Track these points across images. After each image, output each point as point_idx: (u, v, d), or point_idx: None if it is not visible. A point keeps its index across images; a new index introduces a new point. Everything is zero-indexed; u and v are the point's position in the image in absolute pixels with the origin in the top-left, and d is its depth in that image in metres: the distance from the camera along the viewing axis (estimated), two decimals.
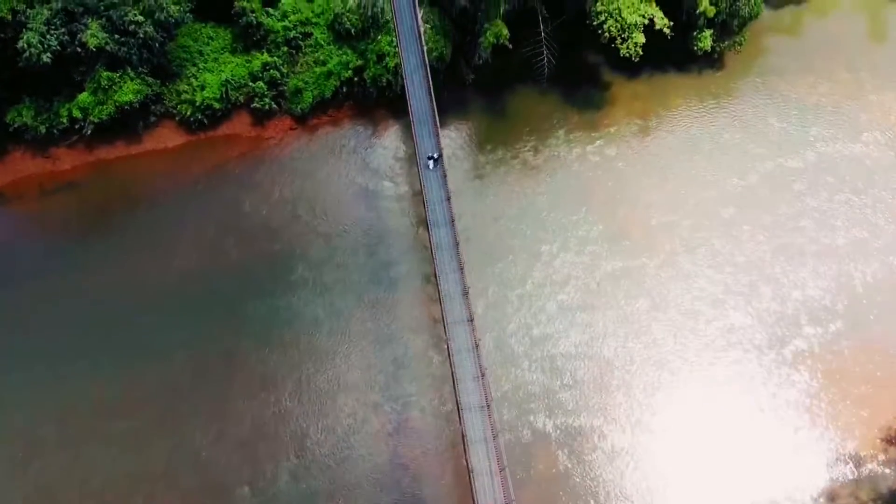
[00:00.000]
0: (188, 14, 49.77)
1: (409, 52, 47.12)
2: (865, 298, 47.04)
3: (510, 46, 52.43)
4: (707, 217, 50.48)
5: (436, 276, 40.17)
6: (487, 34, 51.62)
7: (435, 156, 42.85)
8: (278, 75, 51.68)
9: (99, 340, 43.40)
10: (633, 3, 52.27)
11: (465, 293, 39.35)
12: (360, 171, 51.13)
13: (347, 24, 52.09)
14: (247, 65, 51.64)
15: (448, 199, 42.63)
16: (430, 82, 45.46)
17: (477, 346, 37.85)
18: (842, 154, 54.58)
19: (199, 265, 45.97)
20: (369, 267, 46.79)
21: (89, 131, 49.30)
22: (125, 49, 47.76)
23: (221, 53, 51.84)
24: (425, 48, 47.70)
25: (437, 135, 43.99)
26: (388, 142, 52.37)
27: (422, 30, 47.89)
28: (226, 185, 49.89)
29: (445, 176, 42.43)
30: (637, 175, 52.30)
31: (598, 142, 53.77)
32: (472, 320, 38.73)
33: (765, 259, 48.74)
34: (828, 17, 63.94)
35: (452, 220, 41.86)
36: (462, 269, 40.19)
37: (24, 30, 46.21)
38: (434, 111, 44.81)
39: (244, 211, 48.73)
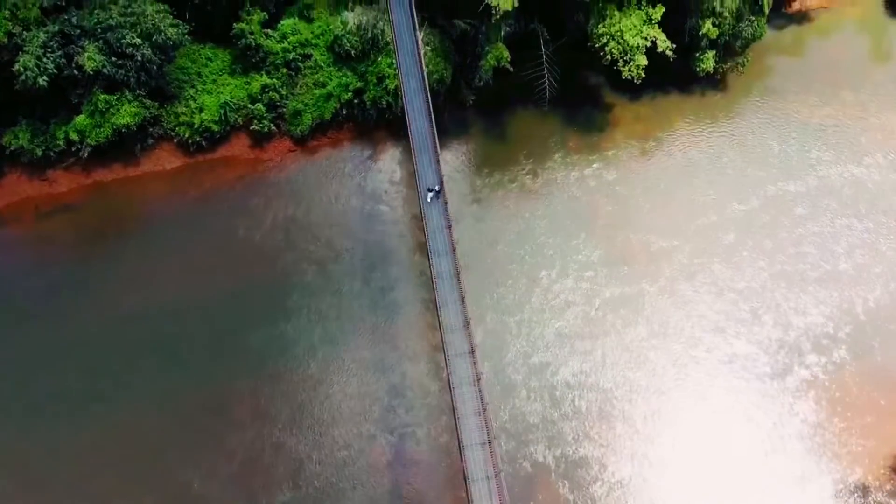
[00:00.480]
0: (186, 36, 49.39)
1: (409, 75, 46.71)
2: (869, 325, 46.70)
3: (511, 69, 52.15)
4: (707, 242, 50.09)
5: (436, 307, 39.62)
6: (488, 57, 51.32)
7: (436, 188, 42.46)
8: (277, 97, 51.30)
9: (86, 375, 42.74)
10: (635, 26, 52.00)
11: (467, 324, 38.88)
12: (359, 195, 50.68)
13: (347, 46, 51.73)
14: (246, 87, 51.24)
15: (449, 227, 42.14)
16: (431, 108, 45.02)
17: (479, 379, 37.33)
18: (843, 177, 54.30)
19: (192, 293, 45.32)
20: (366, 293, 46.28)
21: (86, 154, 48.88)
22: (123, 72, 47.35)
23: (220, 75, 51.46)
24: (425, 71, 47.36)
25: (438, 163, 43.45)
26: (388, 165, 51.98)
27: (422, 53, 47.55)
28: (222, 208, 49.32)
29: (446, 205, 42.02)
30: (637, 199, 51.92)
31: (597, 165, 53.40)
32: (473, 352, 38.24)
33: (766, 285, 48.35)
34: (830, 36, 63.78)
35: (454, 249, 41.31)
36: (463, 299, 39.68)
37: (20, 53, 45.76)
38: (434, 138, 44.35)
39: (239, 236, 48.17)
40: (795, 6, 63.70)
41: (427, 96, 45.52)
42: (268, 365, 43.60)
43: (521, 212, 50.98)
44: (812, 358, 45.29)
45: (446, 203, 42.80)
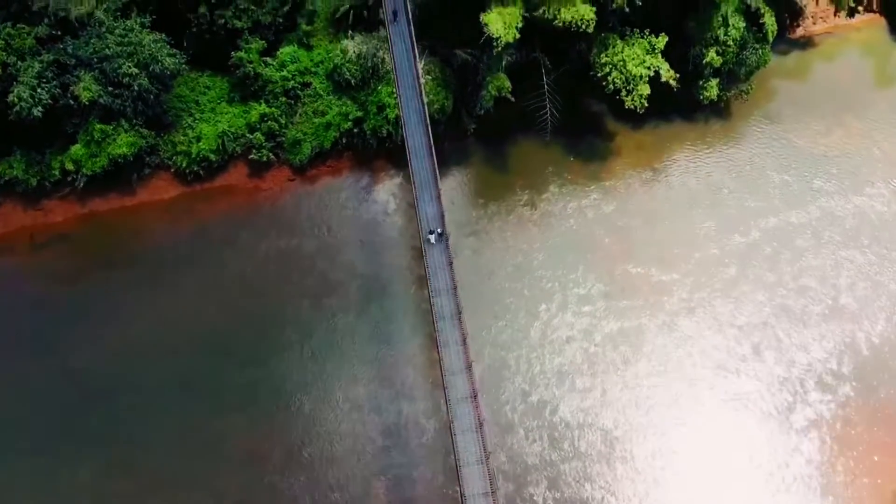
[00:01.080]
0: (184, 66, 48.78)
1: (409, 108, 46.11)
2: (873, 361, 46.35)
3: (512, 99, 51.57)
4: (708, 276, 49.65)
5: (437, 348, 39.16)
6: (489, 87, 50.70)
7: (438, 231, 41.88)
8: (276, 126, 50.62)
9: (74, 412, 42.25)
10: (637, 55, 51.40)
11: (469, 367, 38.34)
12: (357, 226, 50.07)
13: (347, 75, 51.11)
14: (244, 115, 50.60)
15: (450, 264, 41.75)
16: (432, 143, 44.54)
17: (482, 425, 36.77)
18: (846, 209, 53.82)
19: (184, 328, 44.76)
20: (361, 328, 45.59)
21: (82, 184, 48.27)
22: (119, 101, 46.68)
23: (218, 103, 50.83)
24: (426, 102, 46.80)
25: (441, 203, 42.87)
26: (387, 195, 51.34)
27: (422, 85, 47.02)
28: (217, 240, 48.64)
29: (448, 244, 41.54)
30: (636, 231, 51.38)
31: (597, 195, 52.85)
32: (476, 397, 37.70)
33: (767, 321, 47.92)
34: (835, 62, 63.27)
35: (455, 288, 40.86)
36: (465, 340, 39.24)
37: (14, 83, 45.14)
38: (436, 173, 43.81)
39: (234, 268, 47.58)
40: (799, 32, 63.21)
41: (428, 130, 45.06)
42: (260, 402, 42.99)
43: (519, 244, 50.41)
44: (815, 395, 44.93)
45: (448, 240, 42.36)
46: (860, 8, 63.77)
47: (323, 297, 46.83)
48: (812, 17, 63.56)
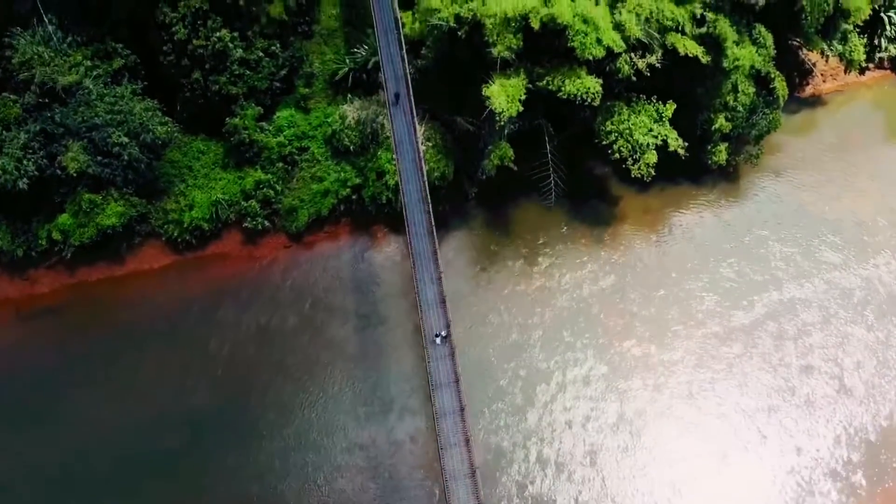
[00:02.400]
0: (177, 134, 47.16)
1: (409, 184, 44.76)
2: (882, 446, 45.12)
3: (515, 168, 50.04)
4: (710, 355, 48.34)
5: (439, 449, 37.95)
6: (492, 156, 49.12)
7: (443, 334, 40.50)
8: (272, 194, 49.12)
9: (56, 490, 41.17)
10: (644, 123, 49.90)
11: (473, 473, 37.15)
12: (353, 298, 48.56)
13: (346, 142, 49.62)
14: (239, 181, 49.08)
15: (452, 355, 40.42)
16: (433, 222, 43.30)
17: None
18: (853, 282, 52.51)
19: (167, 407, 43.40)
20: (348, 415, 43.97)
21: (69, 254, 46.78)
22: (109, 171, 45.17)
23: (212, 169, 49.24)
24: (426, 171, 45.55)
25: (441, 283, 41.55)
26: (385, 267, 49.81)
27: (423, 160, 45.50)
28: (206, 313, 47.16)
29: (454, 353, 40.23)
30: (637, 306, 50.03)
31: (598, 267, 51.48)
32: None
33: (773, 404, 46.68)
34: (845, 120, 61.97)
35: (457, 380, 39.56)
36: (468, 441, 38.03)
37: None
38: (436, 254, 42.59)
39: (220, 344, 46.06)
40: (808, 90, 61.93)
41: (429, 208, 43.77)
42: (241, 491, 41.51)
43: (515, 318, 49.00)
44: (825, 485, 43.70)
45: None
46: (870, 65, 62.59)
47: (307, 380, 45.11)
48: (822, 74, 62.25)
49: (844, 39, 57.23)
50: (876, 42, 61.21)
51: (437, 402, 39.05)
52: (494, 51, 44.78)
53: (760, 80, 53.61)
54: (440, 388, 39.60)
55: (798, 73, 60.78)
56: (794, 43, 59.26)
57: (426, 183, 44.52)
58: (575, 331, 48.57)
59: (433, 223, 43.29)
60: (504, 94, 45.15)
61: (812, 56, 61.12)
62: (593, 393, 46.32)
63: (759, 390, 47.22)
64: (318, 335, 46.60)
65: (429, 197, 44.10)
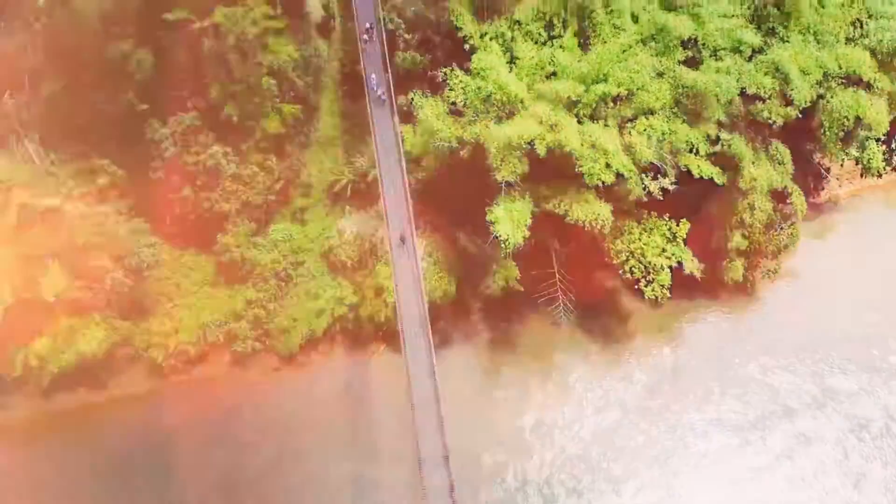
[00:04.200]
0: (164, 256, 44.90)
1: (408, 306, 42.36)
2: None
3: (521, 289, 47.55)
4: None
5: None
6: (496, 276, 46.76)
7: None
8: (263, 314, 46.48)
9: None
10: (657, 244, 47.45)
11: None
12: (344, 434, 44.77)
13: (343, 257, 47.31)
14: (229, 300, 46.57)
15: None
16: (434, 362, 40.76)
17: None
18: (874, 413, 48.45)
19: None
20: None
21: (46, 382, 43.97)
22: (90, 295, 42.80)
23: (201, 287, 46.80)
24: (426, 292, 43.19)
25: (443, 431, 38.81)
26: (381, 395, 46.37)
27: (423, 279, 43.27)
28: (184, 447, 43.69)
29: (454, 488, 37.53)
30: (644, 456, 45.76)
31: (605, 402, 47.61)
32: None
33: None
34: (864, 226, 58.67)
35: None
36: None
37: None
38: (438, 397, 39.75)
39: (198, 486, 42.65)
40: (824, 195, 59.60)
41: (430, 345, 41.32)
42: None
43: (514, 458, 44.95)
44: None
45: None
46: (888, 168, 60.44)
47: None
48: (837, 178, 60.05)
49: (863, 147, 55.19)
50: (894, 146, 59.27)
51: None
52: (498, 176, 42.69)
53: (777, 195, 51.42)
54: None
55: (812, 179, 58.61)
56: (808, 147, 57.34)
57: (426, 304, 42.19)
58: (574, 486, 44.27)
59: (434, 362, 40.68)
60: (510, 220, 42.76)
61: (826, 159, 59.08)
62: None
63: None
64: (309, 482, 43.08)
65: (428, 319, 41.56)
